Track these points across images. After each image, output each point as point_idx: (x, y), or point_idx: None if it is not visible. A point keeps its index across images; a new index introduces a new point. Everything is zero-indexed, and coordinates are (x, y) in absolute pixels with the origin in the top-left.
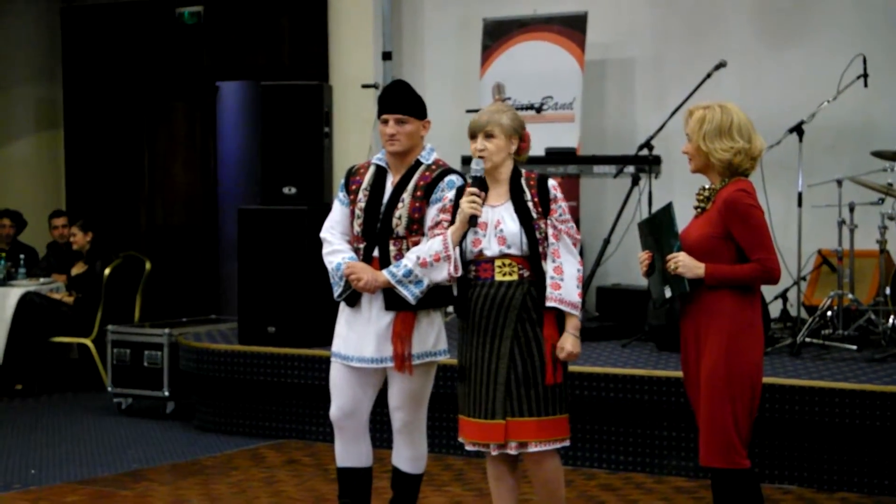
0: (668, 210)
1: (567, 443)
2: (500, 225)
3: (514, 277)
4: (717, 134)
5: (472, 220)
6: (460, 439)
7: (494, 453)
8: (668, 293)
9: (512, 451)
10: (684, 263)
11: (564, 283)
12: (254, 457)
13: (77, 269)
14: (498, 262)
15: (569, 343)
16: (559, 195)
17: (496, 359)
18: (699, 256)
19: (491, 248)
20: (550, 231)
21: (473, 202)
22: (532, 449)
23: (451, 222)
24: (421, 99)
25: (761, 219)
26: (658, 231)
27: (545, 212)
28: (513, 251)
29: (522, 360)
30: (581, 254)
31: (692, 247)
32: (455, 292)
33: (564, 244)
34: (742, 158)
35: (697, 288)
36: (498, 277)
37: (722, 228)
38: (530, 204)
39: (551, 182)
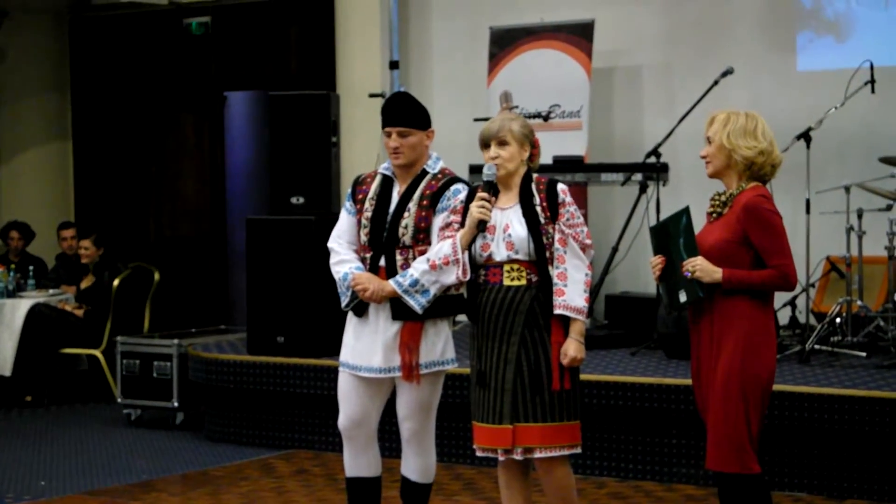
0: (684, 214)
1: (577, 450)
2: (508, 229)
3: (523, 282)
4: (742, 133)
5: (481, 225)
6: (474, 446)
7: (502, 458)
8: (682, 298)
9: (517, 457)
10: (702, 268)
11: (568, 288)
12: (263, 467)
13: (86, 283)
14: (507, 267)
15: (572, 348)
16: (568, 199)
17: (504, 363)
18: (716, 261)
19: (500, 252)
20: (557, 236)
21: (483, 207)
22: (538, 455)
23: (462, 224)
24: (424, 109)
25: (781, 225)
26: (674, 235)
27: (553, 216)
28: (520, 256)
29: (529, 366)
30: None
31: (709, 252)
32: (465, 296)
33: (571, 249)
34: (764, 160)
35: (713, 293)
36: (507, 282)
37: (740, 234)
38: (538, 208)
39: (560, 186)
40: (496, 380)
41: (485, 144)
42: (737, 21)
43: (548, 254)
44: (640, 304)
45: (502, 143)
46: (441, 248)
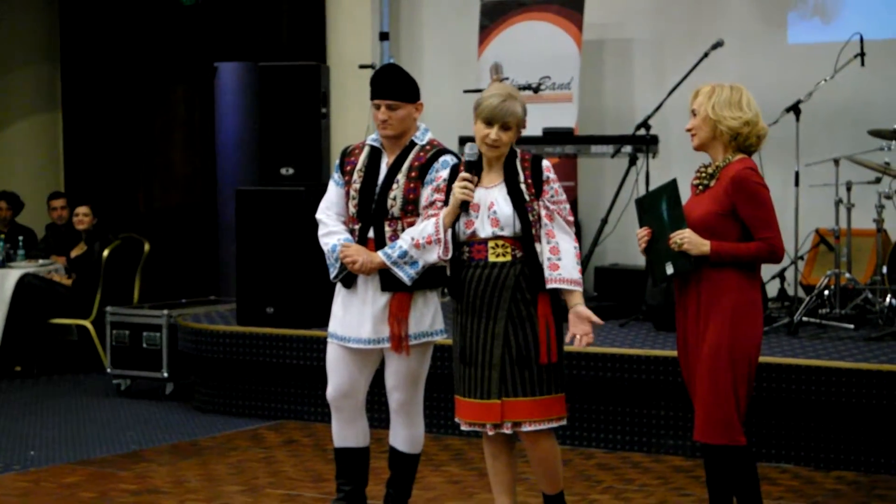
0: (672, 186)
1: (563, 422)
2: (493, 207)
3: (508, 258)
4: (727, 104)
5: (464, 206)
6: (457, 419)
7: (491, 433)
8: (669, 270)
9: (507, 431)
10: (690, 240)
11: (562, 262)
12: (252, 437)
13: (77, 251)
14: (491, 244)
15: (587, 313)
16: (552, 176)
17: (491, 339)
18: (703, 234)
19: (484, 229)
20: (543, 212)
21: (465, 188)
22: (526, 428)
23: (446, 202)
24: (413, 81)
25: (768, 198)
26: (660, 207)
27: (538, 193)
28: (506, 232)
29: (517, 340)
30: (578, 234)
31: (696, 224)
32: (448, 273)
33: (558, 223)
34: (749, 131)
35: (700, 266)
36: (491, 258)
37: (728, 206)
38: (523, 185)
39: (545, 163)
40: (483, 355)
41: (487, 122)
42: None
43: (532, 230)
44: (629, 277)
45: (506, 128)
46: (425, 226)
